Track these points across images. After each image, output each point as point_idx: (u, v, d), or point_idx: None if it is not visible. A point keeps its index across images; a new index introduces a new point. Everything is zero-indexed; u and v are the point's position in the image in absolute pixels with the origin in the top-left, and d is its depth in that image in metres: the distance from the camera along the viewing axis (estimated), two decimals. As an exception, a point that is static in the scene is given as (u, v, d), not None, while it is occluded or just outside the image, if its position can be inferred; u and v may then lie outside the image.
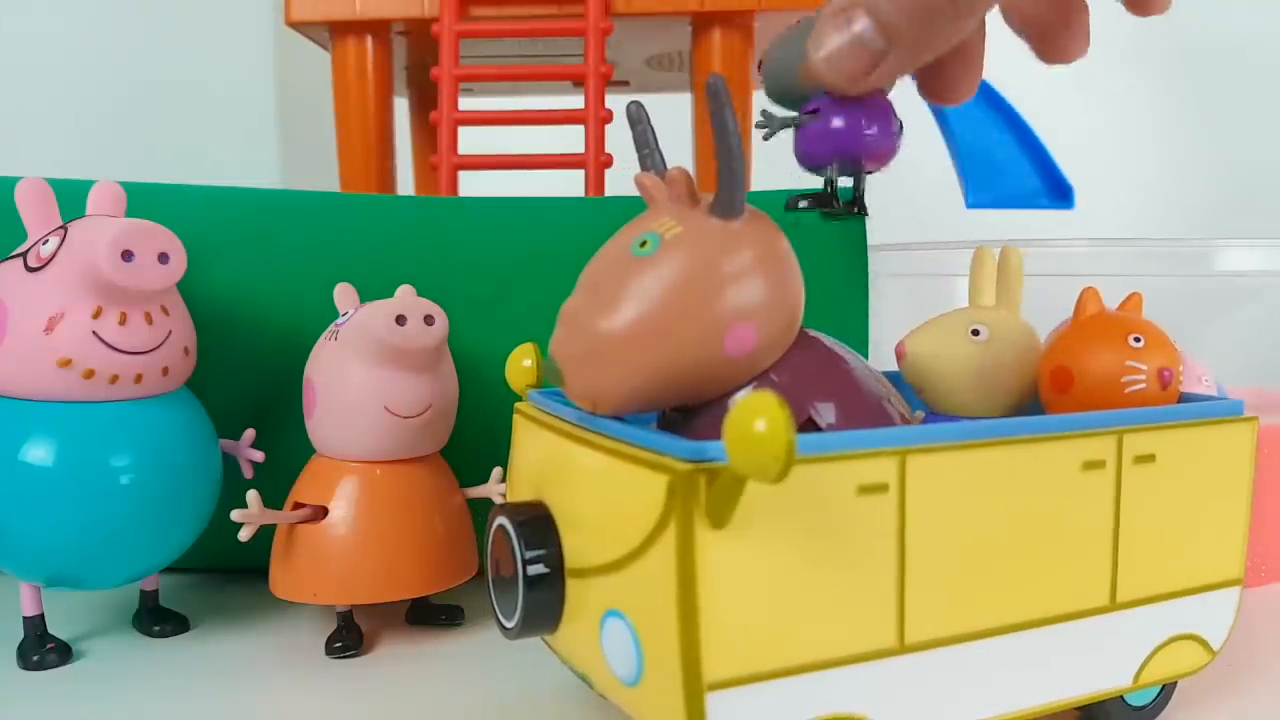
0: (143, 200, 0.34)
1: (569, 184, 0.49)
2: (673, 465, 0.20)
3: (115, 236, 0.29)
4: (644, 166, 0.26)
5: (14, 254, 0.31)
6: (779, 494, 0.20)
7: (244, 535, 0.31)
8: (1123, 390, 0.26)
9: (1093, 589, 0.25)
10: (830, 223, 0.39)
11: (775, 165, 0.38)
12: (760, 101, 0.37)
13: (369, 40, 0.53)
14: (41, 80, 0.73)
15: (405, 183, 0.65)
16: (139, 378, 0.30)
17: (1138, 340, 0.26)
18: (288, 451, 0.35)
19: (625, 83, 0.66)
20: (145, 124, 0.75)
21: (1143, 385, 0.26)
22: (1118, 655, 0.25)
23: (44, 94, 0.72)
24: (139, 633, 0.34)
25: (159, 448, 0.31)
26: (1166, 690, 0.28)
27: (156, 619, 0.34)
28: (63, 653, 0.32)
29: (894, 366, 0.30)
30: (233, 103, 0.79)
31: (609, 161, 0.48)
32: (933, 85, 0.30)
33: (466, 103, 0.51)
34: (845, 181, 0.36)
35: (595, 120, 0.49)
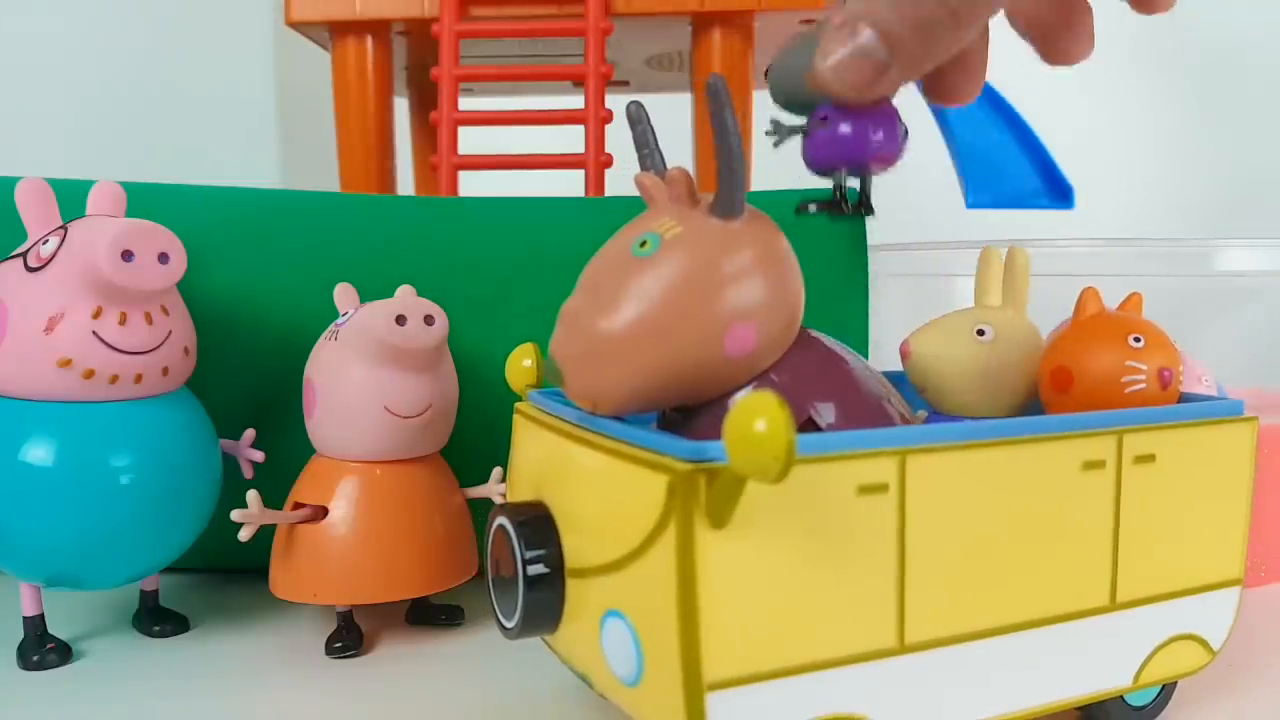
0: (143, 200, 0.34)
1: (569, 184, 0.49)
2: (673, 465, 0.20)
3: (115, 236, 0.29)
4: (644, 166, 0.26)
5: (14, 254, 0.31)
6: (779, 494, 0.20)
7: (244, 535, 0.31)
8: (1123, 390, 0.26)
9: (1093, 589, 0.25)
10: (830, 223, 0.39)
11: (776, 165, 0.38)
12: (761, 102, 0.37)
13: (369, 40, 0.53)
14: (41, 80, 0.73)
15: (405, 183, 0.65)
16: (139, 378, 0.30)
17: (1138, 340, 0.26)
18: (288, 451, 0.35)
19: (625, 83, 0.66)
20: (145, 124, 0.75)
21: (1143, 385, 0.26)
22: (1118, 655, 0.25)
23: (44, 94, 0.72)
24: (139, 633, 0.34)
25: (159, 448, 0.31)
26: (1166, 690, 0.28)
27: (156, 619, 0.34)
28: (63, 653, 0.32)
29: (894, 366, 0.30)
30: (233, 103, 0.79)
31: (609, 161, 0.48)
32: (936, 88, 0.30)
33: (466, 103, 0.51)
34: (851, 182, 0.36)
35: (595, 120, 0.49)
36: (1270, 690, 0.30)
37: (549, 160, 0.50)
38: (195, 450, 0.32)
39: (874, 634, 0.22)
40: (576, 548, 0.23)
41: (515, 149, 0.50)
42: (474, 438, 0.36)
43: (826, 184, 0.38)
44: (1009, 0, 0.27)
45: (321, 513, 0.32)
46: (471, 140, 0.50)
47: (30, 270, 0.30)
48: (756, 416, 0.17)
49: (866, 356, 0.39)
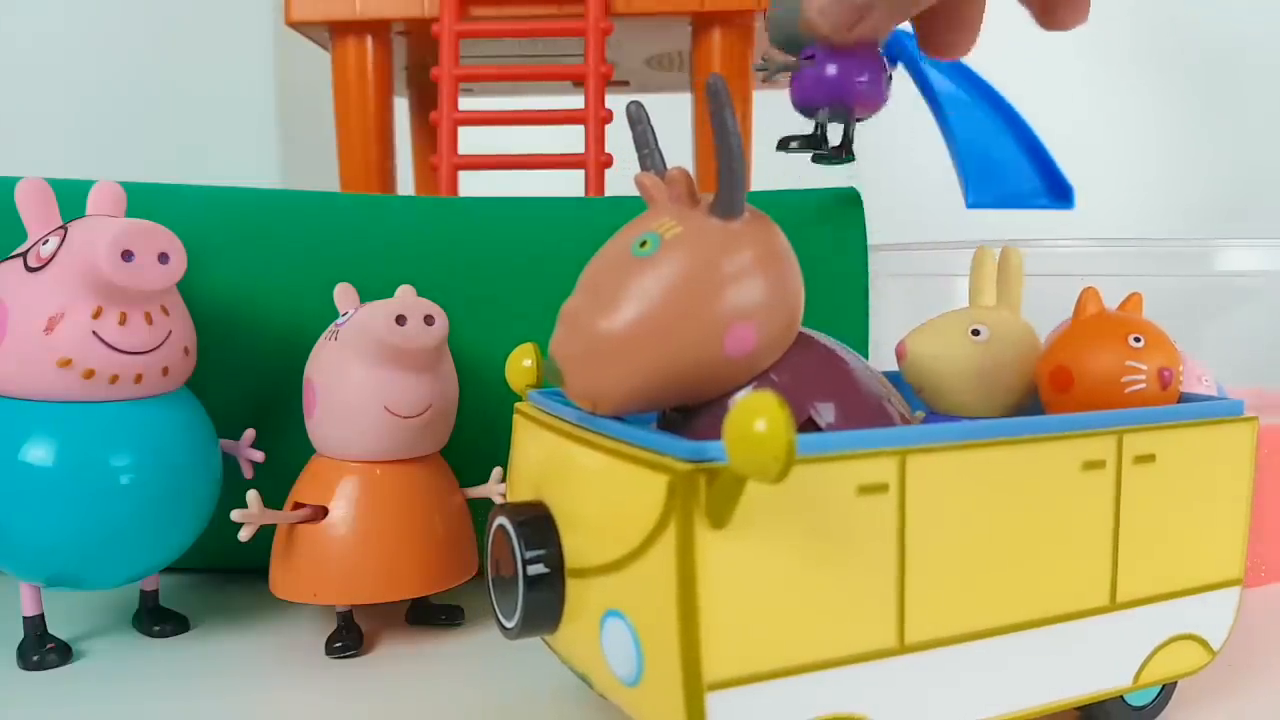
0: (143, 200, 0.34)
1: (569, 184, 0.49)
2: (673, 465, 0.20)
3: (115, 236, 0.29)
4: (644, 166, 0.26)
5: (14, 254, 0.31)
6: (779, 494, 0.20)
7: (244, 535, 0.31)
8: (1123, 390, 0.26)
9: (1093, 589, 0.25)
10: (831, 223, 0.39)
11: (776, 166, 0.38)
12: (761, 101, 0.37)
13: (369, 40, 0.53)
14: (42, 80, 0.73)
15: (405, 183, 0.65)
16: (139, 378, 0.30)
17: (1138, 340, 0.26)
18: (288, 451, 0.35)
19: (625, 83, 0.66)
20: (145, 123, 0.75)
21: (1143, 385, 0.26)
22: (1118, 655, 0.25)
23: (44, 94, 0.72)
24: (139, 633, 0.34)
25: (159, 448, 0.31)
26: (1166, 690, 0.28)
27: (156, 619, 0.34)
28: (63, 653, 0.32)
29: (894, 366, 0.30)
30: (233, 103, 0.79)
31: (609, 161, 0.48)
32: (929, 40, 0.31)
33: (466, 103, 0.51)
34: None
35: (595, 120, 0.49)
36: (1270, 690, 0.30)
37: (549, 160, 0.50)
38: (195, 450, 0.32)
39: (874, 634, 0.22)
40: (576, 548, 0.23)
41: (515, 149, 0.50)
42: (474, 438, 0.36)
43: (830, 184, 0.38)
44: None
45: (321, 513, 0.32)
46: (471, 140, 0.50)
47: (30, 270, 0.30)
48: (756, 416, 0.17)
49: (866, 356, 0.39)
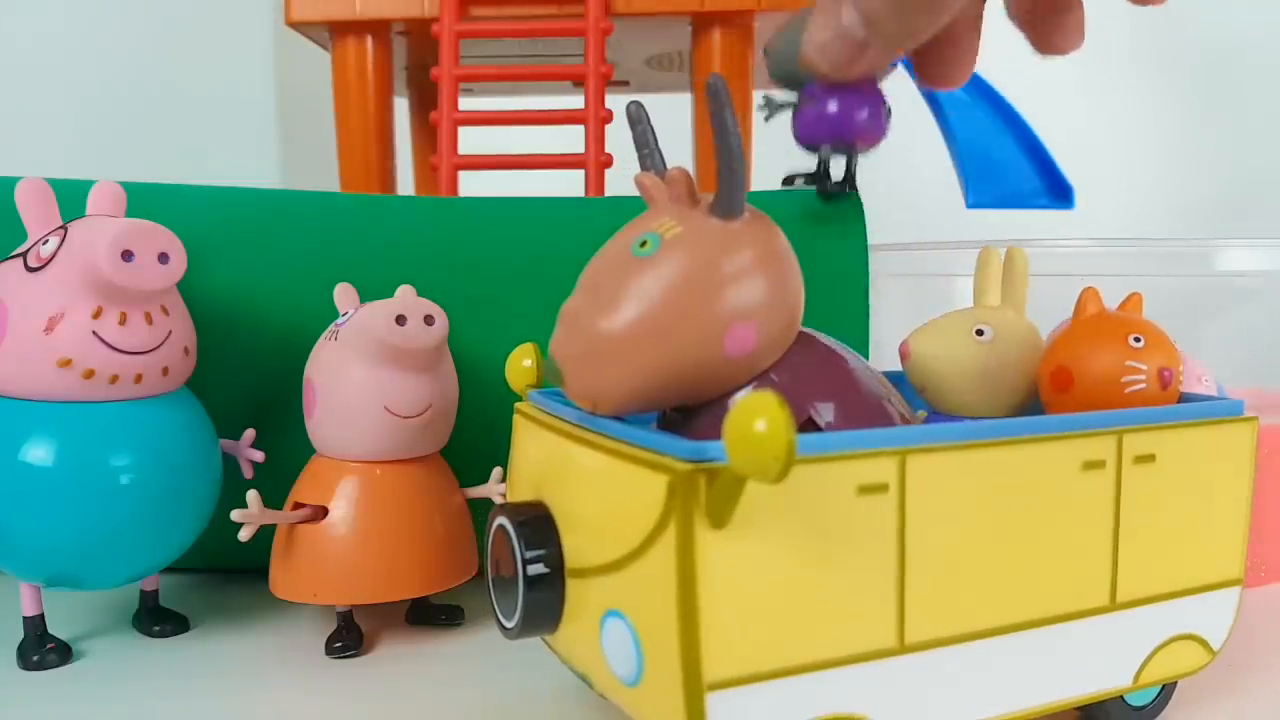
0: (143, 200, 0.34)
1: (569, 184, 0.49)
2: (673, 465, 0.20)
3: (115, 236, 0.29)
4: (644, 166, 0.26)
5: (14, 254, 0.31)
6: (779, 494, 0.20)
7: (244, 535, 0.31)
8: (1123, 390, 0.26)
9: (1093, 589, 0.25)
10: (831, 223, 0.39)
11: (776, 165, 0.38)
12: (761, 99, 0.37)
13: (369, 40, 0.53)
14: (42, 80, 0.73)
15: (405, 183, 0.65)
16: (139, 378, 0.30)
17: (1138, 340, 0.26)
18: (288, 451, 0.35)
19: (625, 83, 0.66)
20: (145, 123, 0.75)
21: (1143, 385, 0.26)
22: (1118, 655, 0.25)
23: (44, 94, 0.72)
24: (139, 633, 0.34)
25: (159, 448, 0.31)
26: (1166, 690, 0.28)
27: (156, 619, 0.34)
28: (63, 653, 0.32)
29: (894, 366, 0.30)
30: (233, 103, 0.79)
31: (609, 161, 0.48)
32: (926, 72, 0.31)
33: (466, 103, 0.51)
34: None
35: (595, 120, 0.49)
36: (1270, 690, 0.30)
37: (549, 160, 0.50)
38: (195, 450, 0.32)
39: (874, 634, 0.22)
40: (576, 548, 0.23)
41: (515, 149, 0.50)
42: (474, 438, 0.36)
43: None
44: None
45: (321, 513, 0.32)
46: (471, 140, 0.50)
47: (30, 270, 0.30)
48: (756, 416, 0.17)
49: (866, 356, 0.39)
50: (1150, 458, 0.25)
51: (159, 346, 0.30)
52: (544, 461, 0.26)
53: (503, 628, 0.25)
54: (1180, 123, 0.88)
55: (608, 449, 0.22)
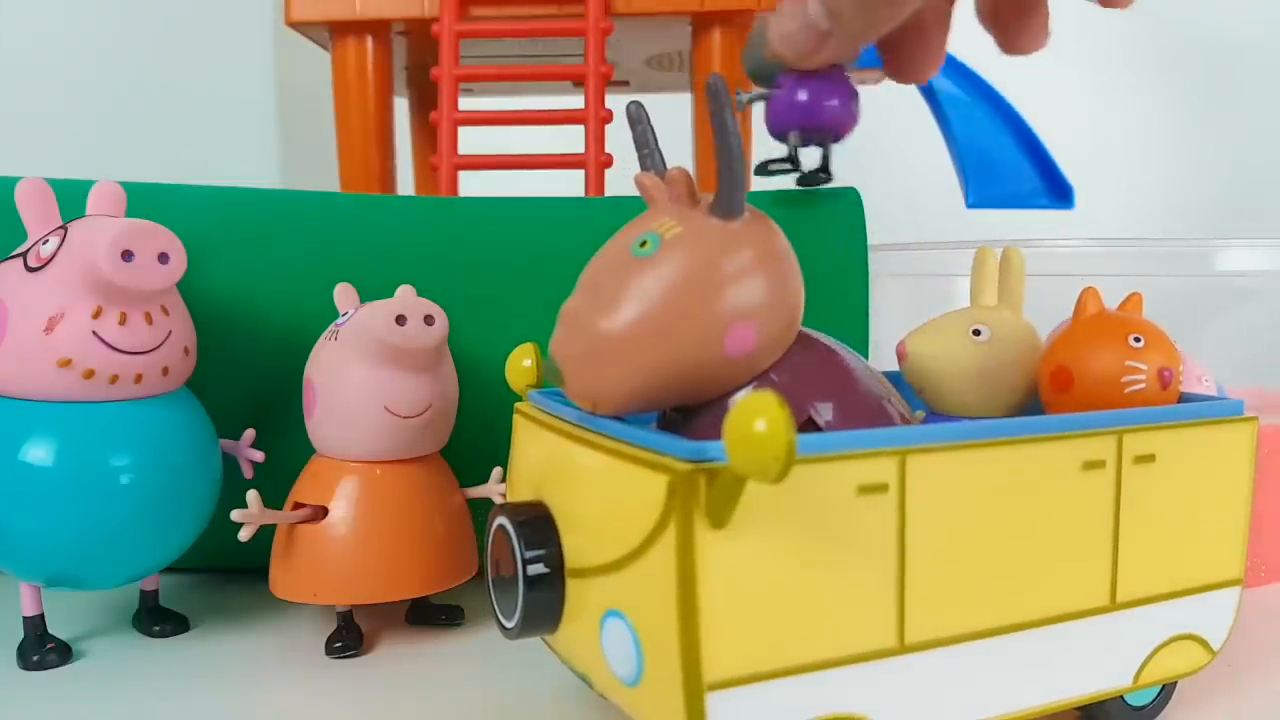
0: (143, 200, 0.34)
1: (569, 184, 0.49)
2: (673, 465, 0.20)
3: (115, 236, 0.29)
4: (644, 166, 0.26)
5: (14, 254, 0.31)
6: (779, 494, 0.20)
7: (244, 535, 0.31)
8: (1123, 390, 0.26)
9: (1093, 589, 0.25)
10: (831, 223, 0.39)
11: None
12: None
13: (369, 40, 0.53)
14: (41, 80, 0.73)
15: (405, 183, 0.65)
16: (139, 378, 0.30)
17: (1138, 340, 0.26)
18: (288, 451, 0.35)
19: (625, 83, 0.66)
20: (145, 124, 0.75)
21: (1143, 385, 0.26)
22: (1118, 655, 0.25)
23: (44, 94, 0.72)
24: (139, 633, 0.34)
25: (159, 448, 0.31)
26: (1166, 690, 0.28)
27: (156, 619, 0.34)
28: (63, 653, 0.32)
29: (894, 366, 0.30)
30: (233, 103, 0.79)
31: (609, 161, 0.48)
32: (894, 65, 0.31)
33: (466, 103, 0.51)
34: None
35: (595, 120, 0.49)
36: (1270, 690, 0.30)
37: (549, 160, 0.50)
38: (195, 450, 0.32)
39: (874, 634, 0.22)
40: (576, 548, 0.23)
41: (515, 149, 0.50)
42: (474, 438, 0.36)
43: (828, 182, 0.38)
44: None
45: (321, 513, 0.32)
46: (471, 140, 0.50)
47: (30, 270, 0.30)
48: (756, 416, 0.17)
49: (866, 356, 0.39)
50: (1150, 458, 0.25)
51: (159, 346, 0.30)
52: (544, 461, 0.26)
53: (503, 628, 0.25)
54: (1180, 123, 0.88)
55: (608, 449, 0.22)
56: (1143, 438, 0.25)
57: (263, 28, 0.79)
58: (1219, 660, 0.27)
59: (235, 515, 0.31)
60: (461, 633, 0.35)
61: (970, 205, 0.43)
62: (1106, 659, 0.25)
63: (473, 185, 0.49)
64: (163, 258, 0.30)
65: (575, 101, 0.50)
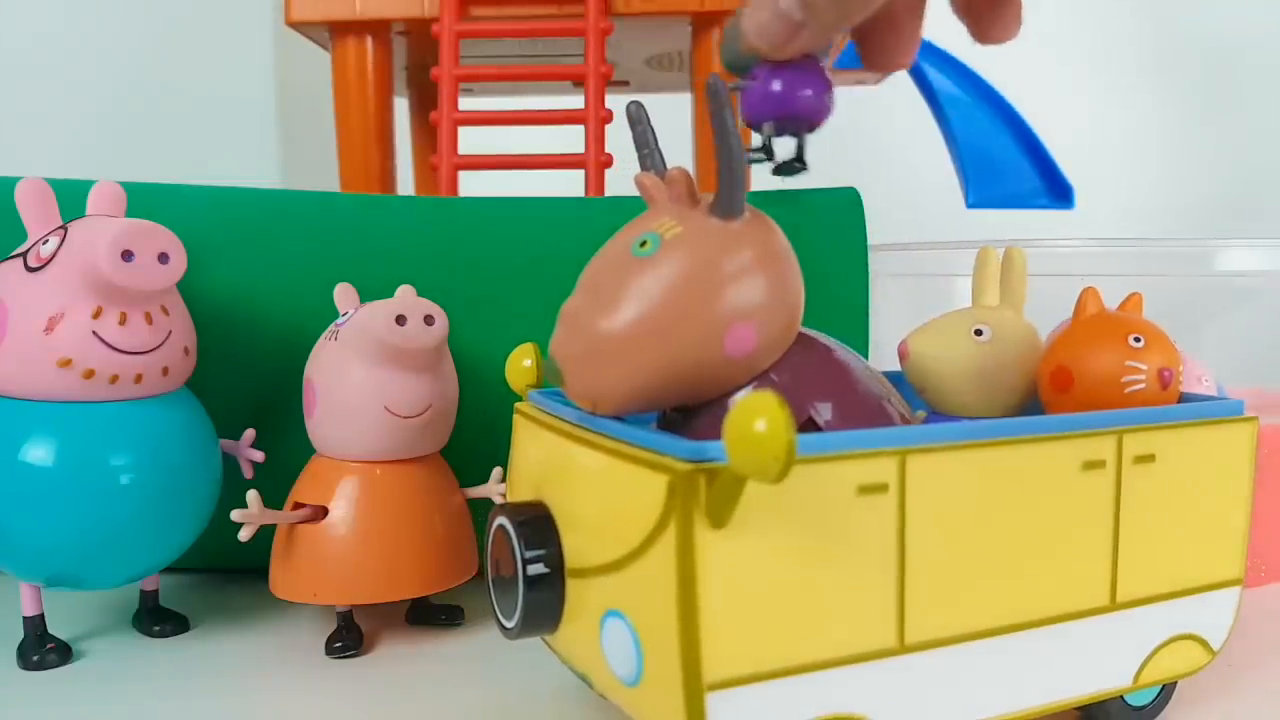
0: (143, 200, 0.34)
1: (569, 184, 0.49)
2: (673, 465, 0.20)
3: (115, 236, 0.29)
4: (644, 166, 0.26)
5: (14, 254, 0.31)
6: (779, 494, 0.20)
7: (244, 535, 0.31)
8: (1123, 390, 0.26)
9: (1093, 589, 0.25)
10: (831, 223, 0.39)
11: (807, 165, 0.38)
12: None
13: (369, 40, 0.53)
14: (41, 80, 0.73)
15: (405, 183, 0.65)
16: (139, 378, 0.30)
17: (1138, 340, 0.26)
18: (288, 451, 0.35)
19: (625, 83, 0.66)
20: (145, 124, 0.75)
21: (1143, 385, 0.26)
22: (1118, 655, 0.25)
23: (44, 94, 0.72)
24: (139, 633, 0.34)
25: (159, 448, 0.31)
26: (1166, 690, 0.28)
27: (156, 619, 0.34)
28: (63, 653, 0.32)
29: (894, 366, 0.30)
30: (233, 103, 0.79)
31: (609, 161, 0.48)
32: (868, 56, 0.31)
33: (466, 103, 0.51)
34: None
35: (595, 120, 0.49)
36: (1270, 690, 0.30)
37: (549, 160, 0.50)
38: (195, 450, 0.32)
39: (874, 634, 0.22)
40: (576, 548, 0.23)
41: (515, 149, 0.50)
42: (474, 438, 0.36)
43: (830, 184, 0.38)
44: None
45: (321, 513, 0.32)
46: (471, 140, 0.50)
47: (30, 270, 0.30)
48: (756, 416, 0.17)
49: (866, 356, 0.39)
50: (1150, 458, 0.25)
51: (159, 346, 0.30)
52: (544, 461, 0.26)
53: (503, 628, 0.25)
54: (1180, 123, 0.88)
55: (608, 449, 0.22)
56: (1143, 438, 0.25)
57: (263, 28, 0.79)
58: (1219, 660, 0.27)
59: (235, 515, 0.31)
60: (461, 633, 0.35)
61: (970, 205, 0.43)
62: (1106, 659, 0.25)
63: (473, 185, 0.49)
64: (163, 258, 0.30)
65: (575, 101, 0.50)
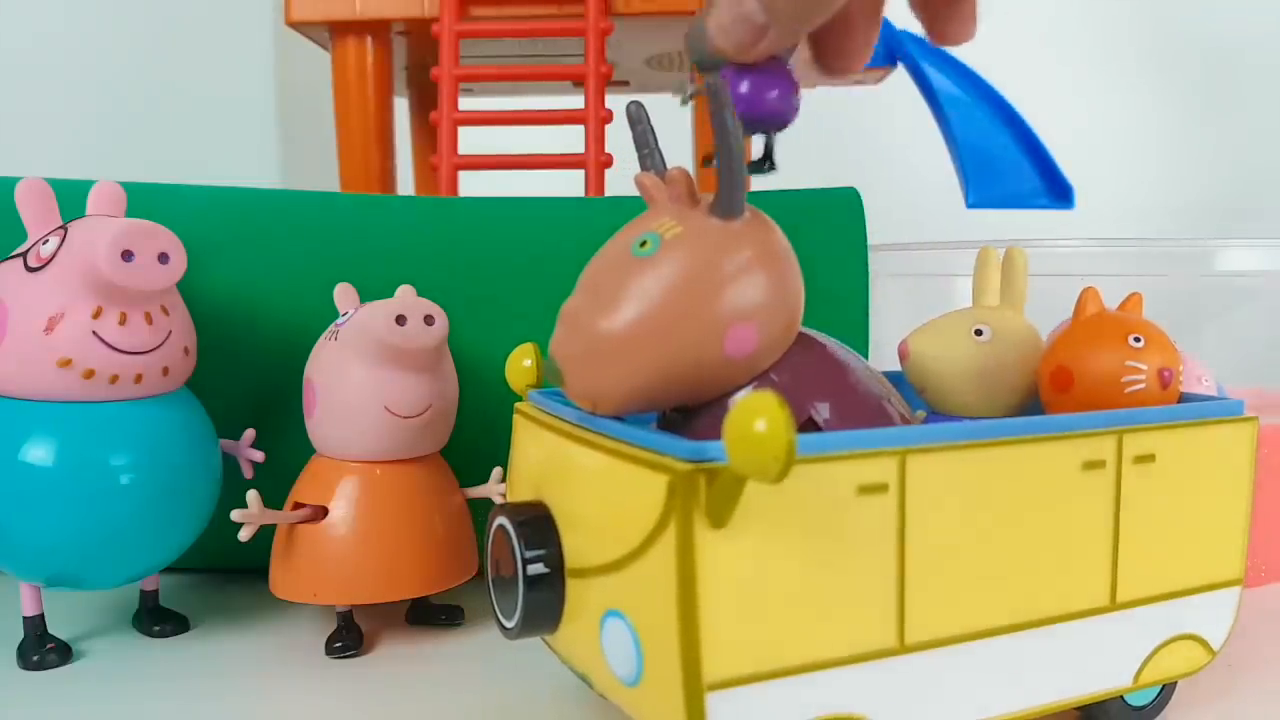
0: (143, 200, 0.34)
1: (569, 184, 0.49)
2: (673, 465, 0.20)
3: (115, 236, 0.29)
4: (644, 166, 0.26)
5: (14, 254, 0.31)
6: (779, 494, 0.20)
7: (244, 535, 0.31)
8: (1123, 390, 0.26)
9: (1093, 589, 0.25)
10: (831, 223, 0.39)
11: (777, 166, 0.38)
12: (674, 85, 0.38)
13: (369, 40, 0.53)
14: (42, 80, 0.73)
15: (405, 183, 0.65)
16: (139, 378, 0.30)
17: (1138, 340, 0.26)
18: (288, 451, 0.35)
19: (625, 83, 0.66)
20: (145, 124, 0.75)
21: (1143, 385, 0.26)
22: (1118, 655, 0.25)
23: (44, 94, 0.72)
24: (139, 633, 0.34)
25: (159, 448, 0.31)
26: (1166, 690, 0.28)
27: (156, 619, 0.34)
28: (63, 653, 0.32)
29: (894, 366, 0.30)
30: (233, 103, 0.79)
31: (609, 161, 0.48)
32: (822, 59, 0.32)
33: (466, 103, 0.51)
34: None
35: (595, 120, 0.49)
36: (1270, 690, 0.30)
37: (549, 160, 0.50)
38: (195, 450, 0.32)
39: (874, 634, 0.22)
40: (576, 548, 0.23)
41: (515, 149, 0.50)
42: (474, 438, 0.36)
43: (830, 184, 0.38)
44: None
45: (321, 513, 0.32)
46: (471, 140, 0.50)
47: (30, 270, 0.30)
48: (756, 416, 0.17)
49: (866, 356, 0.39)
50: (1150, 458, 0.25)
51: (159, 346, 0.30)
52: (544, 461, 0.26)
53: (503, 628, 0.25)
54: (1180, 123, 0.88)
55: (608, 449, 0.22)
56: (1143, 438, 0.25)
57: (263, 28, 0.79)
58: (1218, 660, 0.27)
59: (235, 515, 0.31)
60: (461, 633, 0.35)
61: (970, 205, 0.43)
62: (1106, 659, 0.25)
63: (473, 185, 0.49)
64: (163, 258, 0.30)
65: (575, 101, 0.50)
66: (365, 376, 0.32)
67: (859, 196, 0.40)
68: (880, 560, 0.22)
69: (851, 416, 0.24)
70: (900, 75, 0.47)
